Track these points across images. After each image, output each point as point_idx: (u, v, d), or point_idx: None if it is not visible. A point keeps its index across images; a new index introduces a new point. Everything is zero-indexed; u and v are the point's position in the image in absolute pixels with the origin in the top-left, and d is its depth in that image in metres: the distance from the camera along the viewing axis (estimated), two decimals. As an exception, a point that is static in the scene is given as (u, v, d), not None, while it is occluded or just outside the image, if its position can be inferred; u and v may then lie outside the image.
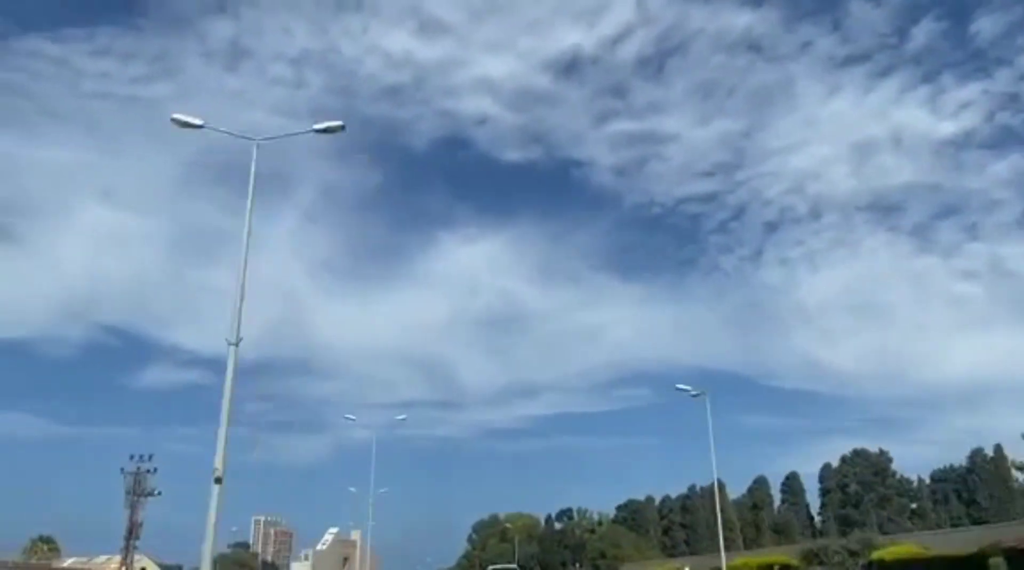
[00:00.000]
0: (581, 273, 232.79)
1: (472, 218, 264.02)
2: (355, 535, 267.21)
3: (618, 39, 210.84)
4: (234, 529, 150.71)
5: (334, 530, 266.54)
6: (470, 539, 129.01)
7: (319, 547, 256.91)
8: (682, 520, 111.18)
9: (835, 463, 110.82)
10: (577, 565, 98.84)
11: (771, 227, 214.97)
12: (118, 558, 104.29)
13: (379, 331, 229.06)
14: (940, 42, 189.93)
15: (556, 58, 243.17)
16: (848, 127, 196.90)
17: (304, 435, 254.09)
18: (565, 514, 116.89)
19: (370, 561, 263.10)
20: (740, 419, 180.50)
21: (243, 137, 21.55)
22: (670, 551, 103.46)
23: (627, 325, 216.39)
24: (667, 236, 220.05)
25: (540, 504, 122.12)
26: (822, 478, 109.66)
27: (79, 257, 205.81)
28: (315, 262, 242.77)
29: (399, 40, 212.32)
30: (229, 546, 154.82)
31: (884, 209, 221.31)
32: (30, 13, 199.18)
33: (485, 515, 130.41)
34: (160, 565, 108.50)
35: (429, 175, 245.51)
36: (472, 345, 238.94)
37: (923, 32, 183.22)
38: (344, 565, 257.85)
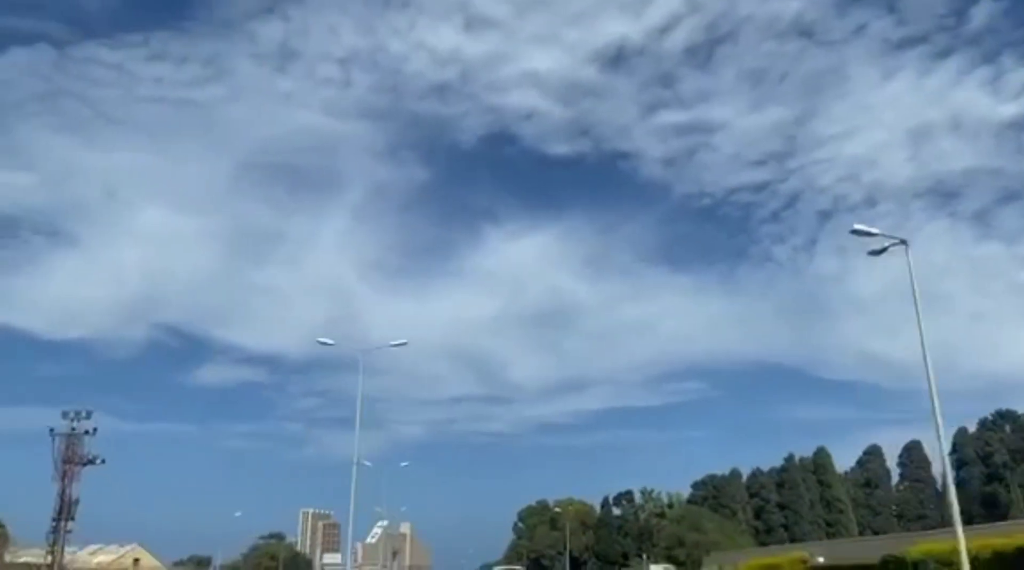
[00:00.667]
0: (630, 266, 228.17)
1: (520, 213, 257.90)
2: (404, 528, 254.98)
3: (666, 28, 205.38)
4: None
5: (383, 523, 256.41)
6: (516, 528, 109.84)
7: (368, 540, 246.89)
8: (779, 499, 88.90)
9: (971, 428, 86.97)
10: (643, 556, 77.38)
11: (825, 216, 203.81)
12: (116, 549, 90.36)
13: (429, 328, 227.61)
14: (1000, 21, 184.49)
15: (603, 50, 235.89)
16: (904, 112, 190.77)
17: (354, 430, 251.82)
18: (624, 497, 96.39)
19: (420, 554, 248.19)
20: (794, 411, 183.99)
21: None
22: (763, 538, 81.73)
23: (678, 318, 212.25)
24: (718, 227, 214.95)
25: (592, 496, 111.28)
26: (956, 446, 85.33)
27: (137, 259, 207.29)
28: (365, 260, 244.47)
29: (446, 36, 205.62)
30: (261, 538, 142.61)
31: (943, 195, 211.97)
32: (88, 21, 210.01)
33: (532, 501, 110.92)
34: (166, 562, 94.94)
35: (476, 171, 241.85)
36: (521, 340, 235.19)
37: (982, 12, 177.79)
38: (394, 558, 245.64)
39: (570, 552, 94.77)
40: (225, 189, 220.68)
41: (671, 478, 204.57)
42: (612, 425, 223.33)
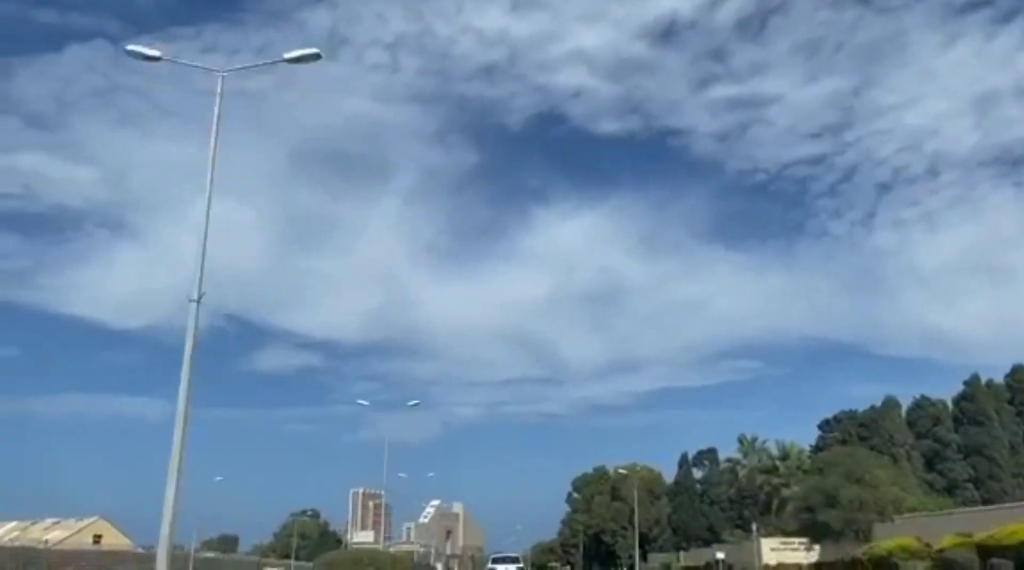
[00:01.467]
0: (684, 244, 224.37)
1: (570, 193, 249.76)
2: (457, 508, 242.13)
3: (716, 1, 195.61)
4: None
5: (435, 502, 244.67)
6: (570, 499, 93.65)
7: (421, 520, 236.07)
8: (962, 439, 64.56)
9: None
10: (754, 527, 53.50)
11: (884, 188, 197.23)
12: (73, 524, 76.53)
13: (481, 310, 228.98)
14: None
15: (652, 25, 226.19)
16: (968, 78, 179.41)
17: (409, 413, 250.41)
18: (705, 456, 78.56)
19: (474, 534, 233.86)
20: (853, 389, 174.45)
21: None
22: (951, 492, 60.54)
23: (732, 295, 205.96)
24: (773, 202, 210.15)
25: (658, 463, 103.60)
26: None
27: (193, 247, 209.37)
28: (416, 244, 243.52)
29: (493, 17, 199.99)
30: (292, 515, 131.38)
31: (1010, 163, 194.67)
32: (142, 16, 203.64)
33: (588, 468, 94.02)
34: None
35: (525, 152, 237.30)
36: (573, 321, 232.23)
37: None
38: (447, 538, 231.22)
39: (639, 526, 78.13)
40: (279, 178, 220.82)
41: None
42: (666, 405, 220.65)
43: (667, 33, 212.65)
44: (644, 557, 77.27)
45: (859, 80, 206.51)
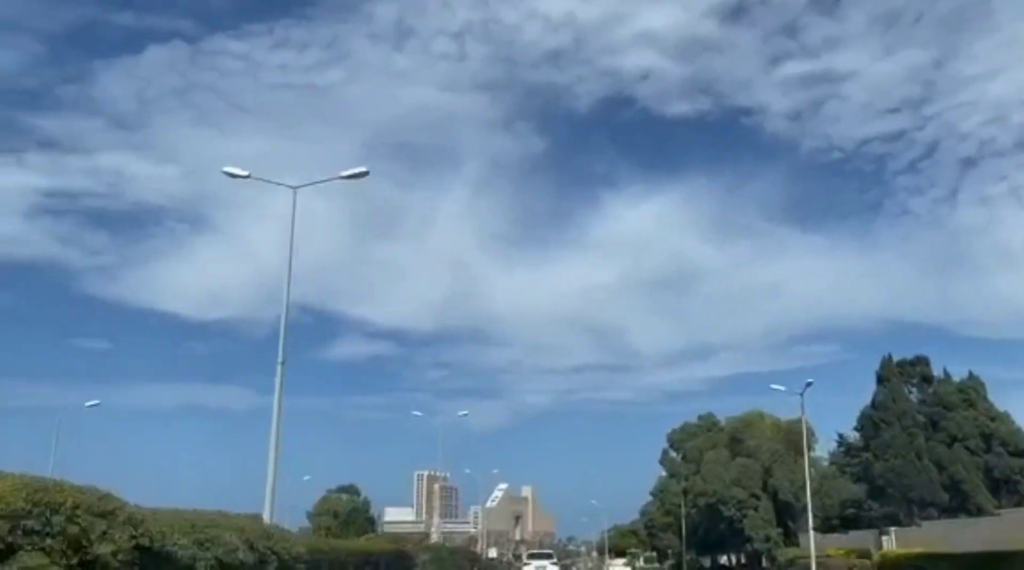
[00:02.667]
0: (757, 226, 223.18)
1: (639, 177, 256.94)
2: (526, 492, 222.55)
3: None
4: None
5: (503, 486, 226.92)
6: (665, 459, 70.02)
7: (488, 504, 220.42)
8: None
9: None
10: None
11: (969, 163, 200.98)
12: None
13: (550, 297, 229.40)
14: None
15: (722, 2, 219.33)
16: None
17: (479, 400, 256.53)
18: (920, 362, 52.29)
19: (543, 520, 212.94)
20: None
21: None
22: None
23: (807, 278, 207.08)
24: (849, 181, 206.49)
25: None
26: None
27: (271, 242, 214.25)
28: (485, 233, 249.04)
29: (558, 2, 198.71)
30: (329, 491, 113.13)
31: None
32: (216, 15, 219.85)
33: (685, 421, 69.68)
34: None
35: (593, 137, 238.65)
36: (644, 307, 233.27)
37: None
38: (515, 523, 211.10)
39: (775, 495, 54.00)
40: (350, 168, 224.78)
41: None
42: (739, 391, 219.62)
43: (738, 10, 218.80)
44: (789, 536, 53.21)
45: (940, 51, 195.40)
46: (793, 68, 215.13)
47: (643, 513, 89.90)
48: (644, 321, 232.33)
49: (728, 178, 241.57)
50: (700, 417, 67.63)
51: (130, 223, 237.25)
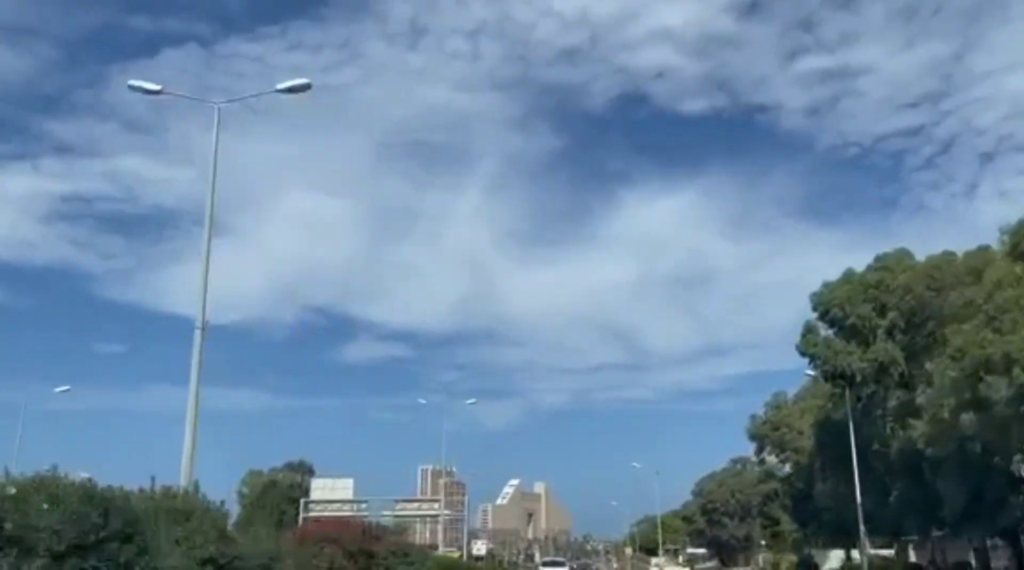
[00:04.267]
0: (774, 223, 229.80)
1: (655, 174, 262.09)
2: (539, 488, 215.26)
3: None
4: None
5: (515, 482, 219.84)
6: (807, 336, 48.40)
7: (499, 502, 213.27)
8: None
9: None
10: None
11: (987, 158, 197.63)
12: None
13: (566, 297, 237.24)
14: None
15: None
16: None
17: (494, 400, 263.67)
18: None
19: (558, 517, 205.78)
20: None
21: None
22: None
23: (825, 275, 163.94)
24: (866, 177, 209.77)
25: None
26: None
27: (286, 244, 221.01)
28: (500, 232, 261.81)
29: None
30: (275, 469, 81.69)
31: None
32: (230, 17, 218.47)
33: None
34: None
35: (609, 135, 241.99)
36: (661, 305, 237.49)
37: None
38: (529, 521, 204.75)
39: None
40: (365, 170, 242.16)
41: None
42: (756, 390, 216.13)
43: (754, 5, 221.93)
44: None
45: (959, 44, 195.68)
46: (810, 63, 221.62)
47: (699, 492, 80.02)
48: (661, 319, 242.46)
49: (745, 175, 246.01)
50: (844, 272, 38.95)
51: (146, 226, 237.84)
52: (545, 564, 60.15)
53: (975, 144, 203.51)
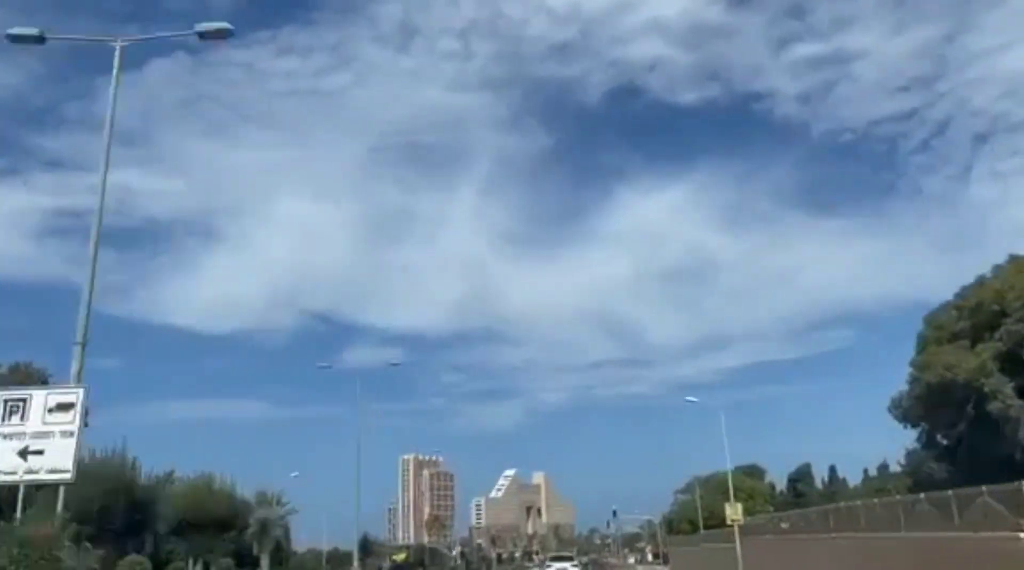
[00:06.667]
0: (770, 213, 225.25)
1: (651, 168, 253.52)
2: (538, 478, 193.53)
3: None
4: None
5: (510, 473, 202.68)
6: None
7: (493, 494, 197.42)
8: None
9: None
10: None
11: (981, 139, 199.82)
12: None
13: (564, 294, 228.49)
14: None
15: None
16: None
17: (495, 402, 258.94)
18: None
19: (560, 510, 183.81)
20: None
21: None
22: None
23: (823, 263, 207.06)
24: (862, 163, 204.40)
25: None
26: None
27: (281, 250, 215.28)
28: (496, 231, 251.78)
29: None
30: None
31: None
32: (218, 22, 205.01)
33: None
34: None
35: (602, 130, 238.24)
36: (659, 300, 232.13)
37: None
38: (528, 515, 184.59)
39: None
40: (359, 174, 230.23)
41: (822, 435, 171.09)
42: (757, 381, 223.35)
43: None
44: None
45: (951, 26, 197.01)
46: (802, 50, 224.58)
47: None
48: (660, 314, 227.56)
49: (740, 165, 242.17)
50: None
51: (140, 240, 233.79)
52: (552, 559, 59.08)
53: (969, 125, 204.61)
